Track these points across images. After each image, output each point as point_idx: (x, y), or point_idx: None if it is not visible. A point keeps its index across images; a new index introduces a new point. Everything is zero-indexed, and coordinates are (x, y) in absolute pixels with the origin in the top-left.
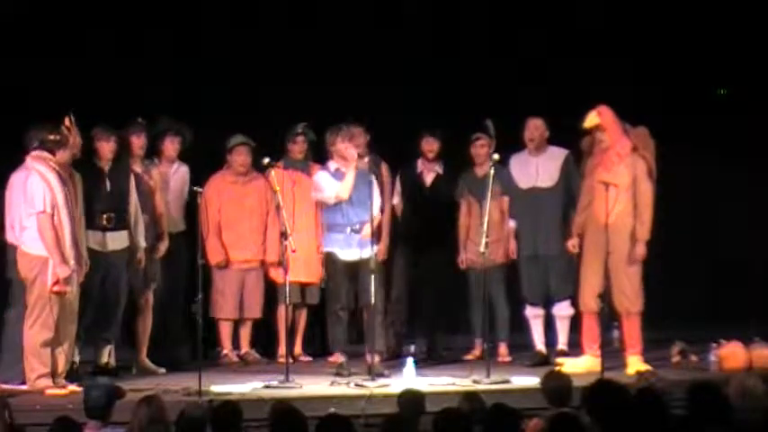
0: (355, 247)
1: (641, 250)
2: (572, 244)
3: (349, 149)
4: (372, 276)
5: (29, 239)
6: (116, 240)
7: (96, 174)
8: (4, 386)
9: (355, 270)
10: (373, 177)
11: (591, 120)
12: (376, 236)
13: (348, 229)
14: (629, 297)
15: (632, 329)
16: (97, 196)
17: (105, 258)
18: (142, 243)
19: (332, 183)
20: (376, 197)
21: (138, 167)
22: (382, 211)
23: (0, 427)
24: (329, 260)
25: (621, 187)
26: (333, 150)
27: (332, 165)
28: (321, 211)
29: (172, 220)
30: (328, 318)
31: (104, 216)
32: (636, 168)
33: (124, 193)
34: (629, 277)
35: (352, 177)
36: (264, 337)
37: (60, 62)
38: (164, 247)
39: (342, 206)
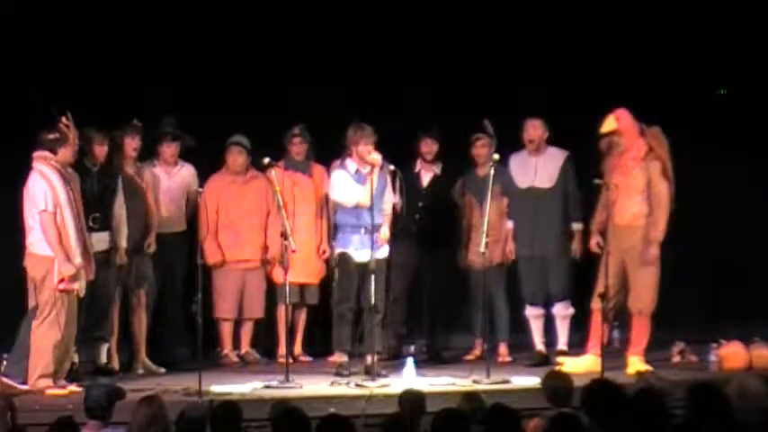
0: (368, 248)
1: (654, 251)
2: (595, 242)
3: (373, 154)
4: (373, 276)
5: (35, 240)
6: (100, 241)
7: (85, 175)
8: (5, 379)
9: (366, 271)
10: (389, 178)
11: (608, 125)
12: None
13: (363, 230)
14: (644, 299)
15: (641, 330)
16: (85, 197)
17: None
18: (123, 244)
19: (351, 185)
20: (389, 197)
21: (130, 168)
22: (394, 209)
23: (1, 427)
24: (342, 260)
25: (636, 190)
26: (354, 150)
27: (350, 165)
28: (335, 210)
29: (171, 221)
30: (335, 317)
31: (90, 217)
32: (650, 171)
33: (109, 195)
34: (644, 278)
35: (376, 183)
36: (265, 337)
37: (60, 62)
38: (152, 246)
39: (360, 209)
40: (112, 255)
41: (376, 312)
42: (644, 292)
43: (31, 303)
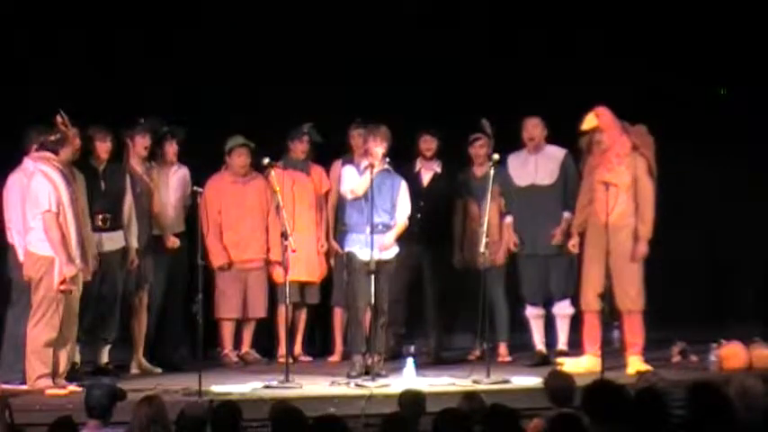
0: (374, 248)
1: (644, 248)
2: (572, 244)
3: (375, 148)
4: (379, 277)
5: (35, 240)
6: (112, 241)
7: (91, 174)
8: (5, 386)
9: (373, 270)
10: (402, 181)
11: (589, 122)
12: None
13: (368, 230)
14: (631, 296)
15: (634, 328)
16: (92, 197)
17: (101, 259)
18: (134, 244)
19: (354, 178)
20: (404, 201)
21: (139, 167)
22: (410, 217)
23: (0, 427)
24: (348, 260)
25: (622, 187)
26: (365, 148)
27: (363, 162)
28: (343, 211)
29: (173, 221)
30: (350, 318)
31: (99, 217)
32: (636, 168)
33: (119, 194)
34: (631, 276)
35: (370, 175)
36: (265, 337)
37: (59, 61)
38: (174, 243)
39: (362, 206)
40: (123, 255)
41: (381, 314)
42: (630, 291)
43: (13, 302)
